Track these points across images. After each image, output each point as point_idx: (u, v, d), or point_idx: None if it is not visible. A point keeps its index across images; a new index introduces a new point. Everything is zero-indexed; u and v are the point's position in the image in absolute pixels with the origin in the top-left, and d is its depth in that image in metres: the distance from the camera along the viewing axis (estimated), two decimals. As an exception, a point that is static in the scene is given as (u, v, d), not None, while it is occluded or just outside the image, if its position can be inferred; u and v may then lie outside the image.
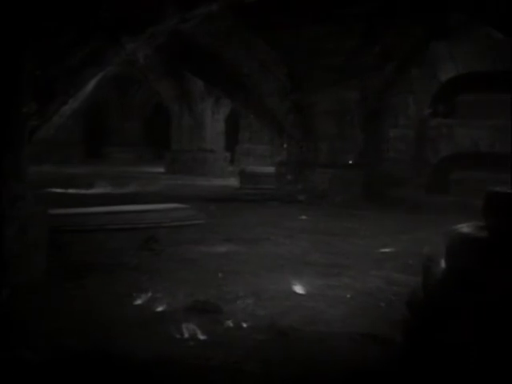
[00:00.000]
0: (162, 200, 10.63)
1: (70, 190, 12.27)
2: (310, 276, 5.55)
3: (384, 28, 10.44)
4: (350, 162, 11.36)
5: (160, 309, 4.38)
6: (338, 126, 11.55)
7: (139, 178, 15.70)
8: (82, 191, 12.23)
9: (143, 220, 6.17)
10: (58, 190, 12.15)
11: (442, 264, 3.51)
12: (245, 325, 4.11)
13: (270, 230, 7.97)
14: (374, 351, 3.77)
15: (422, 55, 11.34)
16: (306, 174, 11.53)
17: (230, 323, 4.12)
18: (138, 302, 4.55)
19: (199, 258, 6.15)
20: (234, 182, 14.61)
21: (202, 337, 3.86)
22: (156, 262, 5.85)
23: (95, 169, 18.06)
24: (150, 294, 4.70)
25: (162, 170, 18.39)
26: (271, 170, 12.91)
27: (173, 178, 16.16)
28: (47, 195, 11.05)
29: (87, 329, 3.95)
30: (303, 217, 9.33)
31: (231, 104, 17.91)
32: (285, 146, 12.27)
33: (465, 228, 3.51)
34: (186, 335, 3.88)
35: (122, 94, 22.75)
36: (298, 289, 5.12)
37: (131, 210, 6.25)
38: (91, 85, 5.04)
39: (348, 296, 4.95)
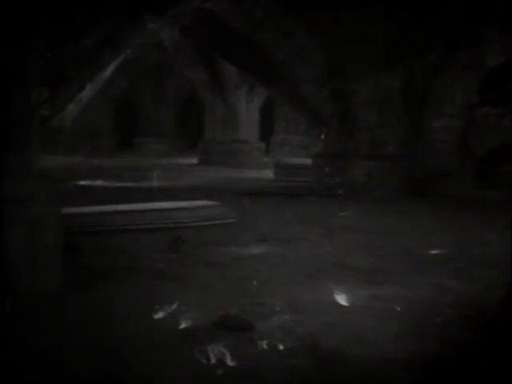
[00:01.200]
0: (193, 194, 10.15)
1: (98, 183, 11.80)
2: (354, 284, 4.95)
3: (429, 7, 9.75)
4: (392, 153, 10.68)
5: (184, 325, 3.82)
6: (379, 116, 10.87)
7: (170, 169, 15.19)
8: (109, 184, 11.75)
9: (169, 219, 5.61)
10: (85, 183, 11.69)
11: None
12: (281, 347, 3.53)
13: (307, 228, 7.38)
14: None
15: (470, 38, 10.59)
16: (344, 166, 10.88)
17: (264, 344, 3.55)
18: (160, 316, 4.00)
19: (231, 261, 5.59)
20: (268, 173, 14.02)
21: (231, 363, 3.29)
22: (182, 267, 5.31)
23: (126, 160, 17.61)
24: (174, 307, 4.15)
25: (194, 161, 17.87)
26: (308, 161, 12.29)
27: (205, 169, 15.63)
28: (72, 189, 10.62)
29: (99, 350, 3.41)
30: (343, 213, 8.70)
31: (266, 92, 17.29)
32: (322, 136, 11.62)
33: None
34: (213, 360, 3.31)
35: (154, 83, 22.27)
36: (341, 300, 4.52)
37: (156, 208, 5.69)
38: (110, 69, 4.51)
39: (398, 309, 4.34)
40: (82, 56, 4.34)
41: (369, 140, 10.83)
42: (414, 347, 3.60)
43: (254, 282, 4.87)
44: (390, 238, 6.96)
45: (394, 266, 5.62)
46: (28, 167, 4.23)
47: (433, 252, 6.30)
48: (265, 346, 3.53)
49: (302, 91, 11.21)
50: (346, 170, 10.80)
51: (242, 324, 3.79)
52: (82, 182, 11.70)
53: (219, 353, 3.38)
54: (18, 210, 4.10)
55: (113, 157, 18.46)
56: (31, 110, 4.20)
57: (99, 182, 11.79)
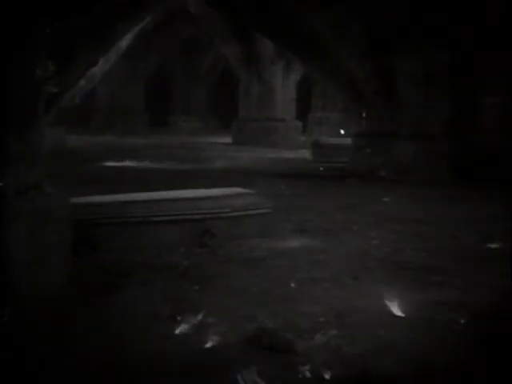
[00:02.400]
0: (225, 177, 9.55)
1: (126, 163, 11.26)
2: (407, 286, 4.30)
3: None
4: (438, 133, 9.92)
5: (211, 343, 3.22)
6: (425, 93, 10.12)
7: (203, 149, 14.63)
8: (138, 165, 11.21)
9: (197, 209, 5.01)
10: (113, 164, 11.16)
11: None
12: (328, 375, 2.91)
13: (350, 217, 6.73)
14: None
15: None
16: (386, 146, 10.17)
17: (306, 371, 2.93)
18: (183, 329, 3.40)
19: (265, 257, 4.98)
20: (305, 154, 13.34)
21: (266, 398, 2.70)
22: (211, 264, 4.71)
23: (158, 139, 17.09)
24: (199, 317, 3.55)
25: (228, 140, 17.26)
26: (347, 141, 11.59)
27: (239, 149, 15.01)
28: (98, 170, 10.10)
29: (107, 376, 2.84)
30: (386, 198, 8.02)
31: (303, 68, 16.58)
32: (363, 114, 10.91)
33: None
34: (245, 394, 2.72)
35: (187, 60, 21.65)
36: (394, 308, 3.87)
37: (182, 197, 5.09)
38: (126, 41, 3.93)
39: (462, 321, 3.69)
40: (94, 26, 3.73)
41: (414, 119, 10.09)
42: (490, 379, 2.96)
43: (293, 285, 4.26)
44: (440, 228, 6.28)
45: (450, 264, 4.96)
46: (32, 153, 3.65)
47: (492, 246, 5.61)
48: (308, 374, 2.91)
49: (342, 67, 10.50)
50: (388, 150, 10.08)
51: (281, 342, 3.18)
52: (110, 163, 11.18)
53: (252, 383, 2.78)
54: (20, 203, 3.53)
55: (145, 136, 17.94)
56: (35, 87, 3.61)
57: (127, 163, 11.27)
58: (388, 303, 3.94)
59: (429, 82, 10.07)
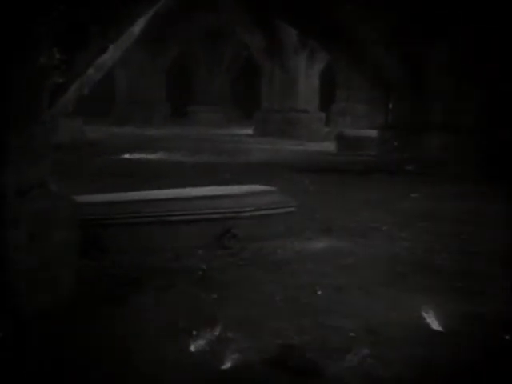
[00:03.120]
0: (247, 171, 9.20)
1: (144, 156, 10.94)
2: (445, 296, 3.92)
3: None
4: (470, 124, 9.46)
5: (229, 364, 2.88)
6: (456, 82, 9.65)
7: (224, 141, 14.28)
8: (156, 157, 10.88)
9: (217, 208, 4.67)
10: (131, 156, 10.85)
11: None
12: (361, 405, 2.56)
13: (379, 215, 6.34)
14: None
15: None
16: (415, 139, 9.75)
17: (337, 400, 2.59)
18: (198, 345, 3.06)
19: (290, 260, 4.63)
20: (329, 146, 12.94)
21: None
22: (231, 269, 4.37)
23: (178, 130, 16.76)
24: (217, 331, 3.21)
25: (250, 131, 16.88)
26: (373, 133, 11.18)
27: (261, 141, 14.63)
28: (114, 163, 9.79)
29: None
30: (415, 194, 7.61)
31: (327, 58, 16.14)
32: (390, 105, 10.49)
33: None
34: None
35: (209, 49, 21.28)
36: (433, 322, 3.51)
37: (201, 194, 4.74)
38: (139, 26, 3.61)
39: (506, 338, 3.31)
40: (106, 8, 3.39)
41: (443, 109, 9.65)
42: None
43: (319, 292, 3.90)
44: (477, 227, 5.88)
45: (490, 268, 4.57)
46: (34, 148, 3.32)
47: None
48: (338, 404, 2.57)
49: (369, 55, 10.09)
50: (417, 143, 9.67)
51: (308, 365, 2.84)
52: (128, 155, 10.87)
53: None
54: (20, 204, 3.21)
55: (164, 127, 17.63)
56: (37, 77, 3.28)
57: (146, 155, 10.94)
58: (425, 315, 3.58)
59: (460, 70, 9.61)
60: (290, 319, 3.42)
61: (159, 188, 7.32)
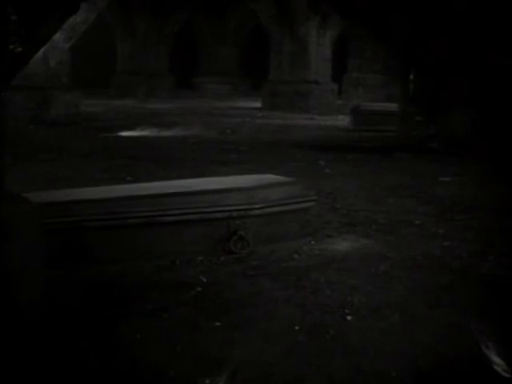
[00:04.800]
0: (255, 149, 8.37)
1: (144, 133, 10.08)
2: (506, 320, 3.12)
3: None
4: (502, 98, 8.57)
5: None
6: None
7: (231, 115, 13.40)
8: (157, 134, 10.03)
9: (220, 205, 3.85)
10: (130, 134, 10.00)
11: None
12: None
13: (407, 204, 5.52)
14: None
15: None
16: (440, 114, 8.86)
17: None
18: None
19: (309, 267, 3.82)
20: (343, 120, 12.06)
21: None
22: (238, 281, 3.56)
23: (182, 103, 15.88)
24: (218, 381, 2.42)
25: (258, 104, 15.98)
26: (392, 107, 10.31)
27: (270, 115, 13.74)
28: (110, 142, 8.95)
29: None
30: (446, 178, 6.77)
31: (339, 26, 15.20)
32: (411, 76, 9.57)
33: None
34: None
35: (215, 17, 20.31)
36: (497, 361, 2.70)
37: (201, 189, 3.91)
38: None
39: None
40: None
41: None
42: None
43: (349, 318, 3.10)
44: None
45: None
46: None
47: None
48: None
49: (387, 19, 9.15)
50: (442, 118, 8.78)
51: None
52: (128, 133, 10.03)
53: None
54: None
55: (169, 100, 16.75)
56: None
57: (146, 132, 10.10)
58: (487, 352, 2.77)
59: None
60: (315, 362, 2.62)
61: (156, 173, 6.62)
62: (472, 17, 8.54)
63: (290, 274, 3.70)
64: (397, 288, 3.53)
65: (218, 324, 2.97)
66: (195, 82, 19.97)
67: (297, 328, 2.95)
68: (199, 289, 3.40)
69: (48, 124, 9.89)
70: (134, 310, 3.12)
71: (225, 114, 13.86)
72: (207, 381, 2.42)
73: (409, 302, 3.31)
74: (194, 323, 2.99)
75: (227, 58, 20.67)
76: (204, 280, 3.55)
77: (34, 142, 7.53)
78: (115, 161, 7.34)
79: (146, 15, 17.80)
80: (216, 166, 7.17)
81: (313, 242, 4.28)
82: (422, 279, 3.69)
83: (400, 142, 8.82)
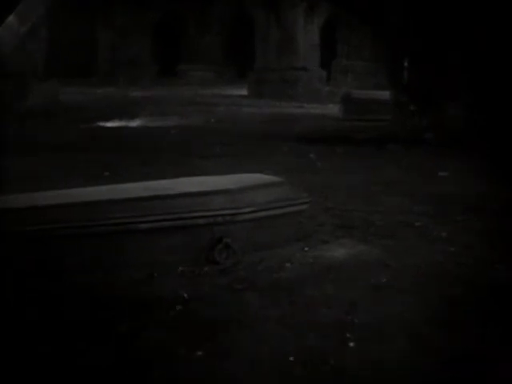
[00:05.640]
0: (241, 142, 7.97)
1: (125, 123, 9.64)
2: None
3: None
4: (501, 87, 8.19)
5: None
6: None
7: (215, 104, 12.96)
8: (138, 125, 9.59)
9: (203, 210, 3.45)
10: (109, 124, 9.56)
11: None
12: None
13: (405, 203, 5.15)
14: None
15: None
16: (435, 102, 8.49)
17: None
18: None
19: (302, 278, 3.43)
20: (333, 109, 11.64)
21: None
22: (223, 297, 3.17)
23: (165, 92, 15.41)
24: None
25: (244, 92, 15.55)
26: (384, 95, 9.92)
27: (256, 103, 13.31)
28: (88, 134, 8.51)
29: None
30: (444, 172, 6.39)
31: (328, 11, 14.78)
32: (406, 63, 9.20)
33: None
34: None
35: (199, 5, 19.79)
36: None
37: (181, 191, 3.49)
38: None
39: None
40: None
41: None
42: None
43: (352, 344, 2.71)
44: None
45: None
46: None
47: None
48: None
49: (377, 3, 8.76)
50: (438, 108, 8.41)
51: None
52: (106, 123, 9.58)
53: None
54: None
55: (151, 88, 16.26)
56: None
57: (127, 123, 9.66)
58: None
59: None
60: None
61: (135, 168, 6.22)
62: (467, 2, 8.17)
63: (281, 287, 3.31)
64: (401, 305, 3.15)
65: (199, 353, 2.58)
66: (179, 70, 19.47)
67: (291, 358, 2.56)
68: (179, 307, 3.01)
69: (24, 114, 9.41)
70: (101, 332, 2.73)
71: (209, 102, 13.43)
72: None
73: (415, 321, 2.94)
74: (171, 351, 2.59)
75: (211, 45, 20.17)
76: (185, 295, 3.15)
77: (7, 134, 7.08)
78: (93, 154, 6.92)
79: (127, 3, 17.34)
80: (199, 160, 6.78)
81: (306, 249, 3.89)
82: (427, 292, 3.31)
83: (393, 133, 8.44)
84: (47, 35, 10.80)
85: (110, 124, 9.52)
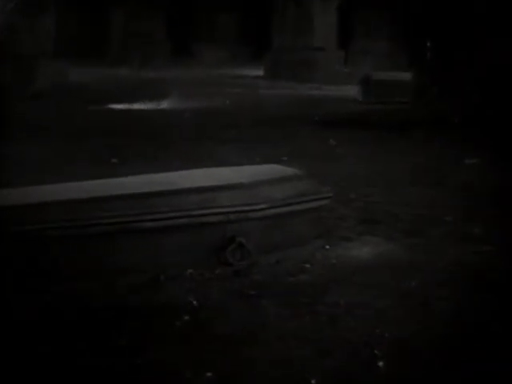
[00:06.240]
0: (257, 126, 7.62)
1: (133, 106, 9.30)
2: None
3: None
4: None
5: None
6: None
7: (230, 85, 12.57)
8: (149, 108, 9.26)
9: (214, 206, 3.12)
10: (120, 107, 9.22)
11: None
12: None
13: (432, 194, 4.80)
14: None
15: None
16: (462, 84, 8.07)
17: None
18: None
19: (324, 282, 3.11)
20: (351, 91, 11.21)
21: None
22: (236, 305, 2.85)
23: (179, 72, 15.03)
24: None
25: (260, 73, 15.14)
26: (406, 77, 9.50)
27: (273, 85, 12.90)
28: (97, 116, 8.19)
29: None
30: (472, 160, 6.01)
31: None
32: (428, 43, 8.76)
33: None
34: None
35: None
36: None
37: (190, 186, 3.16)
38: None
39: None
40: None
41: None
42: None
43: (380, 363, 2.38)
44: None
45: None
46: None
47: None
48: None
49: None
50: (464, 89, 7.98)
51: None
52: (116, 105, 9.25)
53: None
54: None
55: (165, 68, 15.88)
56: None
57: (137, 105, 9.32)
58: None
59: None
60: None
61: (145, 154, 5.91)
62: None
63: (300, 292, 2.99)
64: (435, 315, 2.82)
65: (208, 375, 2.26)
66: (193, 49, 19.05)
67: (313, 382, 2.23)
68: (186, 317, 2.69)
69: (32, 96, 9.11)
70: (97, 347, 2.42)
71: (224, 83, 13.06)
72: None
73: (450, 336, 2.61)
74: (175, 374, 2.28)
75: (227, 23, 19.71)
76: (194, 303, 2.83)
77: (11, 118, 6.78)
78: (102, 139, 6.60)
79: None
80: (213, 144, 6.45)
81: (327, 247, 3.56)
82: (464, 302, 2.98)
83: (416, 117, 8.04)
84: (56, 15, 10.45)
85: (120, 106, 9.19)
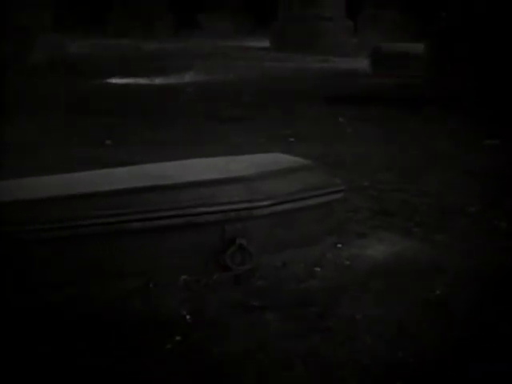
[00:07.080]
0: (261, 102, 7.21)
1: (132, 80, 8.87)
2: None
3: None
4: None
5: None
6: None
7: (235, 58, 12.12)
8: (150, 82, 8.85)
9: (212, 203, 2.75)
10: (119, 81, 8.81)
11: None
12: None
13: (453, 181, 4.40)
14: None
15: None
16: (478, 58, 7.61)
17: None
18: None
19: (337, 289, 2.74)
20: (362, 63, 10.74)
21: None
22: (236, 320, 2.48)
23: (182, 44, 14.56)
24: None
25: (266, 44, 14.65)
26: (418, 48, 9.03)
27: (280, 57, 12.42)
28: (94, 91, 7.78)
29: None
30: (491, 140, 5.60)
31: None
32: (443, 14, 8.29)
33: None
34: None
35: None
36: None
37: (185, 181, 2.79)
38: None
39: None
40: None
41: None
42: None
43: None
44: None
45: None
46: None
47: None
48: None
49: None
50: (481, 64, 7.53)
51: None
52: (114, 79, 8.83)
53: None
54: None
55: (168, 39, 15.41)
56: None
57: (137, 79, 8.90)
58: None
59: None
60: None
61: (142, 135, 5.54)
62: None
63: (309, 303, 2.62)
64: (464, 328, 2.46)
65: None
66: (196, 21, 18.52)
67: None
68: (178, 338, 2.33)
69: (28, 69, 8.71)
70: (71, 375, 2.07)
71: (229, 54, 12.61)
72: None
73: (480, 358, 2.25)
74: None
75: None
76: (188, 318, 2.48)
77: (4, 93, 6.40)
78: (96, 117, 6.22)
79: None
80: (215, 123, 6.06)
81: (339, 246, 3.19)
82: (497, 313, 2.61)
83: (428, 92, 7.60)
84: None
85: (119, 81, 8.78)
